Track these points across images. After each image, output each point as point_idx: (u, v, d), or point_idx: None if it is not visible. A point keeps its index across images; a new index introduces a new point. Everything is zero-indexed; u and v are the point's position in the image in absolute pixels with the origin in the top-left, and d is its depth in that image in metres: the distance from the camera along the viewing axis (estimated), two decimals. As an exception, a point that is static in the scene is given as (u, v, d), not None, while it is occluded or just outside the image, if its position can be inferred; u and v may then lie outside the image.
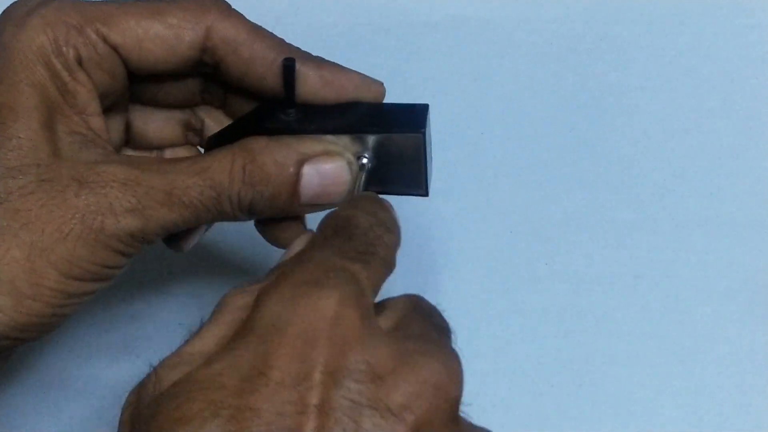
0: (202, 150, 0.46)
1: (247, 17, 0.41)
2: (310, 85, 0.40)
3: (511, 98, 0.58)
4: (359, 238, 0.35)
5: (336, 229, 0.36)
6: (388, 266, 0.36)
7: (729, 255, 0.54)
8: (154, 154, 0.45)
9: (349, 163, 0.40)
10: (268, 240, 0.43)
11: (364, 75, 0.41)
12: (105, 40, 0.39)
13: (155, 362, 0.33)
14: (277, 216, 0.42)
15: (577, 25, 0.59)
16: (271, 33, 0.41)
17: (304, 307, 0.31)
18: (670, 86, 0.58)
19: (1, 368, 0.49)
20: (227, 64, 0.41)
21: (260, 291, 0.33)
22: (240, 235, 0.53)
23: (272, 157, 0.39)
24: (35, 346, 0.52)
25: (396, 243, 0.37)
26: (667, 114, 0.58)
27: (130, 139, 0.44)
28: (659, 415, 0.51)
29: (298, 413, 0.29)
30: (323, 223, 0.37)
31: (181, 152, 0.45)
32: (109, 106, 0.42)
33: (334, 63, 0.41)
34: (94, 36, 0.39)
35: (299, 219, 0.43)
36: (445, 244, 0.55)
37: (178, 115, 0.45)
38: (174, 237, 0.43)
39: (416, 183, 0.41)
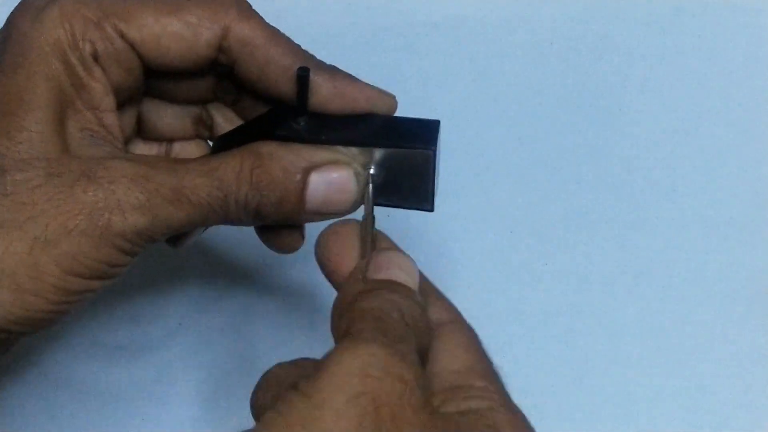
0: (211, 143, 0.46)
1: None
2: (323, 95, 0.40)
3: (511, 98, 0.58)
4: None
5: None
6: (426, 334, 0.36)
7: (729, 255, 0.54)
8: (163, 145, 0.45)
9: (357, 174, 0.40)
10: (268, 245, 0.43)
11: (376, 88, 0.41)
12: (122, 35, 0.39)
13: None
14: (282, 222, 0.41)
15: (577, 25, 0.59)
16: (288, 38, 0.41)
17: None
18: (671, 86, 0.58)
19: (1, 360, 0.49)
20: (242, 66, 0.40)
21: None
22: (240, 236, 0.53)
23: (280, 162, 0.39)
24: (36, 346, 0.52)
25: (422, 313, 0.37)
26: (667, 114, 0.58)
27: (140, 130, 0.44)
28: (659, 415, 0.51)
29: None
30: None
31: (191, 146, 0.45)
32: (123, 102, 0.41)
33: (347, 74, 0.41)
34: (111, 31, 0.39)
35: (300, 227, 0.43)
36: (445, 244, 0.55)
37: (189, 110, 0.44)
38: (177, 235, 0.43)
39: (423, 198, 0.41)
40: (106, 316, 0.53)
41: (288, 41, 0.41)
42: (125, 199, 0.37)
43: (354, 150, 0.40)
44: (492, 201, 0.56)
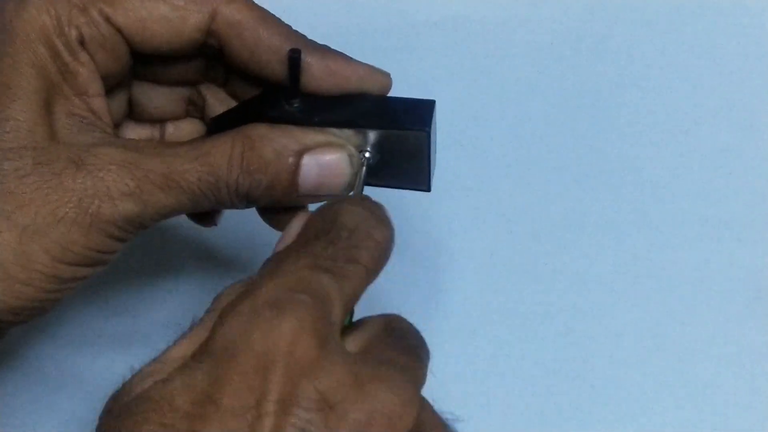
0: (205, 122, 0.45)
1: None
2: (314, 75, 0.40)
3: (510, 98, 0.58)
4: (341, 242, 0.34)
5: (319, 231, 0.34)
6: (371, 273, 0.34)
7: (729, 255, 0.54)
8: (156, 126, 0.45)
9: (350, 156, 0.40)
10: (270, 224, 0.43)
11: (370, 66, 0.41)
12: (108, 20, 0.39)
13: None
14: (276, 205, 0.41)
15: (577, 25, 0.59)
16: (278, 19, 0.41)
17: (259, 332, 0.30)
18: (670, 86, 0.58)
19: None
20: (232, 49, 0.40)
21: (222, 309, 0.32)
22: (240, 232, 0.53)
23: (272, 145, 0.39)
24: (33, 344, 0.52)
25: (386, 243, 0.35)
26: (667, 114, 0.58)
27: (131, 113, 0.44)
28: (659, 415, 0.51)
29: None
30: (310, 219, 0.36)
31: (184, 125, 0.45)
32: (112, 86, 0.41)
33: (340, 53, 0.41)
34: (97, 16, 0.39)
35: (303, 206, 0.42)
36: (444, 244, 0.55)
37: (180, 91, 0.44)
38: (204, 213, 0.43)
39: (419, 178, 0.41)
40: (103, 314, 0.53)
41: (278, 22, 0.40)
42: (115, 186, 0.37)
43: (348, 132, 0.40)
44: (492, 200, 0.56)
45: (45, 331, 0.52)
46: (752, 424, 0.51)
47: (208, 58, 0.43)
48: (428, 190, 0.42)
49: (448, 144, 0.56)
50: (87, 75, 0.39)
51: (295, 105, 0.40)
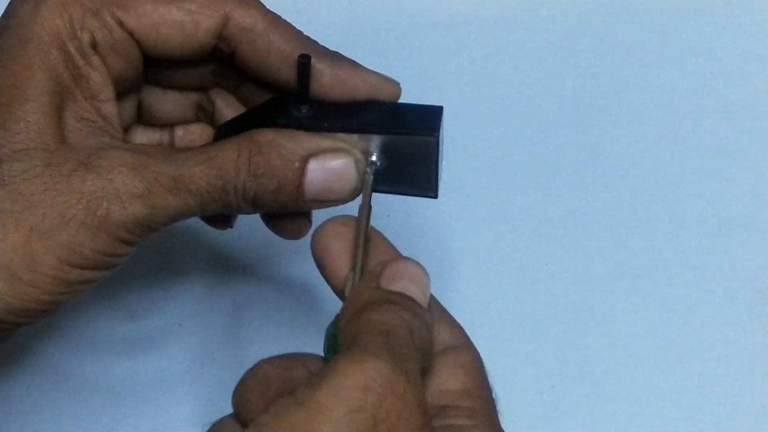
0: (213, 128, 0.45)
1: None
2: (324, 82, 0.40)
3: (511, 98, 0.58)
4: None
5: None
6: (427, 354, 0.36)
7: (729, 255, 0.54)
8: (165, 131, 0.45)
9: (357, 162, 0.40)
10: (275, 232, 0.43)
11: (380, 74, 0.41)
12: (121, 24, 0.39)
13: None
14: (282, 210, 0.41)
15: (577, 25, 0.59)
16: (290, 24, 0.41)
17: None
18: (671, 86, 0.58)
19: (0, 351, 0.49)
20: (243, 54, 0.40)
21: None
22: (243, 236, 0.53)
23: (278, 150, 0.39)
24: (35, 345, 0.52)
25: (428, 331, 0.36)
26: (667, 114, 0.58)
27: (141, 117, 0.44)
28: (659, 415, 0.51)
29: None
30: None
31: (193, 130, 0.45)
32: (123, 91, 0.41)
33: (350, 60, 0.41)
34: (110, 20, 0.39)
35: (306, 213, 0.42)
36: (445, 244, 0.55)
37: (190, 96, 0.44)
38: (219, 215, 0.43)
39: (426, 185, 0.41)
40: (105, 315, 0.53)
41: (289, 27, 0.40)
42: (124, 188, 0.37)
43: (355, 137, 0.40)
44: (492, 201, 0.56)
45: (46, 333, 0.52)
46: (752, 424, 0.51)
47: (219, 63, 0.43)
48: (435, 197, 0.41)
49: (448, 144, 0.56)
50: (98, 79, 0.39)
51: (304, 111, 0.40)
